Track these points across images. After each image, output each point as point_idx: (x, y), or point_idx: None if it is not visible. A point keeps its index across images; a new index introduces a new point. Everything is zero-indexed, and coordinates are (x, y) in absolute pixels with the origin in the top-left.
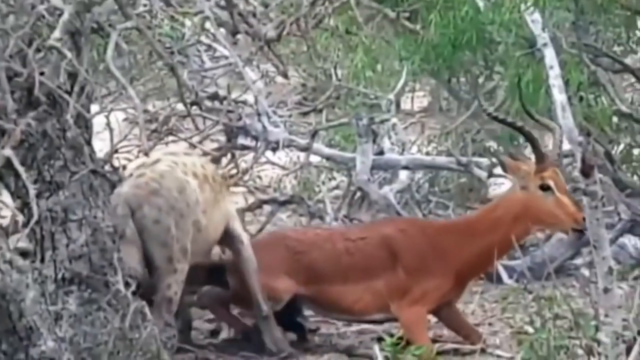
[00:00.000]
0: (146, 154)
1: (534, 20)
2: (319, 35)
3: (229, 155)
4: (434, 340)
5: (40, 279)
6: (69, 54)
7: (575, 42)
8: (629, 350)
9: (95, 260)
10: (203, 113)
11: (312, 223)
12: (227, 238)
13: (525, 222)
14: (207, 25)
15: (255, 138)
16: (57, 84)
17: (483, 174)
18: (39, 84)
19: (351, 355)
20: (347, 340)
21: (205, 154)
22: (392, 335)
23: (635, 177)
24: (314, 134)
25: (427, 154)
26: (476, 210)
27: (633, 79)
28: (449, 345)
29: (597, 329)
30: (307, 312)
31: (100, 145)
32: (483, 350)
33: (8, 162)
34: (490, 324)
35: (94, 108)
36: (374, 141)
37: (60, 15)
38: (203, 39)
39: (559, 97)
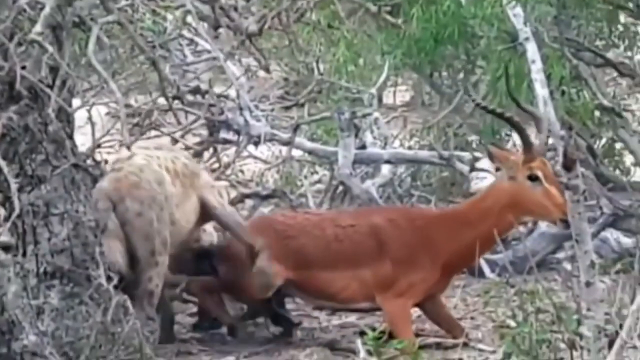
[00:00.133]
0: (128, 148)
1: (516, 14)
2: (301, 30)
3: (211, 150)
4: (416, 335)
5: (22, 273)
6: (50, 48)
7: (557, 37)
8: (611, 344)
9: (77, 255)
10: (185, 107)
11: None
12: (205, 213)
13: (513, 212)
14: (189, 19)
15: (237, 132)
16: (38, 78)
17: (465, 168)
18: (20, 78)
19: (334, 349)
20: (329, 334)
21: (187, 148)
22: (374, 329)
23: (617, 171)
24: (296, 128)
25: (410, 148)
26: (464, 201)
27: (615, 73)
28: (431, 339)
29: (579, 322)
30: (290, 306)
31: (82, 140)
32: (465, 344)
33: None
34: (472, 318)
35: (76, 102)
36: (356, 135)
37: (41, 9)
38: (185, 33)
39: (541, 91)
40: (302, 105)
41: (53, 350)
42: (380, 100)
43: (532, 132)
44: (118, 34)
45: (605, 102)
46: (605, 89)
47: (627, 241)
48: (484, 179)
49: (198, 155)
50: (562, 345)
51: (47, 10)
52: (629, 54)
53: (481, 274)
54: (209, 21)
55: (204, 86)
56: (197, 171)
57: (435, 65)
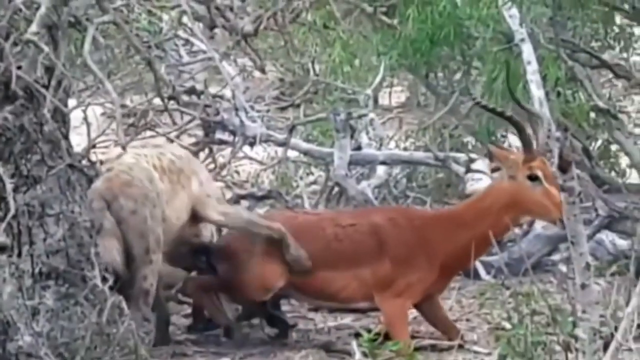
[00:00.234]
0: (123, 148)
1: (512, 15)
2: (297, 30)
3: (206, 150)
4: (412, 337)
5: (17, 274)
6: (46, 48)
7: (552, 38)
8: (606, 346)
9: (73, 255)
10: (180, 107)
11: None
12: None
13: (513, 212)
14: (185, 19)
15: (233, 133)
16: (34, 78)
17: (461, 170)
18: (16, 78)
19: (329, 351)
20: (325, 336)
21: (182, 148)
22: (369, 331)
23: (612, 173)
24: (291, 129)
25: (405, 149)
26: (463, 202)
27: (610, 75)
28: (427, 341)
29: (574, 325)
30: (285, 308)
31: (78, 140)
32: (460, 346)
33: None
34: (467, 320)
35: (72, 102)
36: (351, 136)
37: (37, 8)
38: (180, 33)
39: (537, 92)
40: (298, 106)
41: (48, 351)
42: (375, 101)
43: (529, 132)
44: (114, 34)
45: (601, 104)
46: (600, 91)
47: (623, 243)
48: (479, 180)
49: (194, 155)
50: (558, 348)
51: (42, 10)
52: (625, 55)
53: (477, 276)
54: (204, 21)
55: (199, 86)
56: (189, 173)
57: (431, 66)
